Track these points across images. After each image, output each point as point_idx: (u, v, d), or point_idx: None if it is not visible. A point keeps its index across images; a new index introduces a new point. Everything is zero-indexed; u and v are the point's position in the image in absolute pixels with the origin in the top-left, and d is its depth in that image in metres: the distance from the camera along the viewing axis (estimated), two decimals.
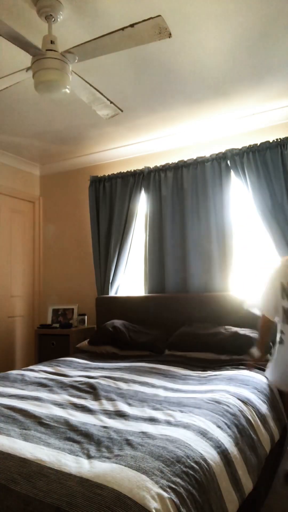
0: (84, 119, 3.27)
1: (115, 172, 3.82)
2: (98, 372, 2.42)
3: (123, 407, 1.74)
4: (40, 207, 4.45)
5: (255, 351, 2.44)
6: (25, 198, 4.29)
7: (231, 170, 3.25)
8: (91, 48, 1.87)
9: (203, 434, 1.44)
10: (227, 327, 2.87)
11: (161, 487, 1.09)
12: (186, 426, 1.47)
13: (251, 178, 3.11)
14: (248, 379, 2.17)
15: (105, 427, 1.50)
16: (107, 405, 1.78)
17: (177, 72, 2.59)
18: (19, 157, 4.14)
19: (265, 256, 3.21)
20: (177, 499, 1.09)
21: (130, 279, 3.78)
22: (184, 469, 1.21)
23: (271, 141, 3.06)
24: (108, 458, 1.23)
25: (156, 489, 1.08)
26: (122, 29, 1.72)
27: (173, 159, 3.58)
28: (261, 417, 1.86)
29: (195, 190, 3.39)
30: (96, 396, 1.92)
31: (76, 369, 2.59)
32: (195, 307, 3.16)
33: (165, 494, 1.08)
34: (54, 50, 1.93)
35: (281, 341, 2.17)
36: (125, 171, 3.78)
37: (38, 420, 1.59)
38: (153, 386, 2.11)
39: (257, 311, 2.32)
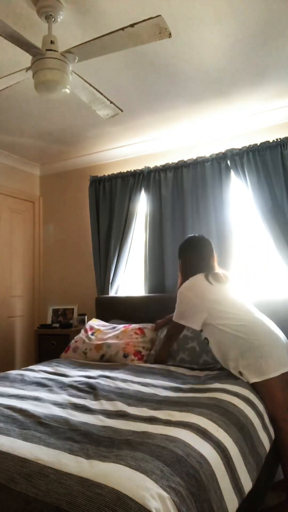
0: (84, 119, 3.27)
1: (115, 172, 3.82)
2: (98, 372, 2.42)
3: (122, 406, 1.74)
4: (40, 207, 4.45)
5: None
6: (25, 198, 4.29)
7: (231, 170, 3.25)
8: (91, 48, 1.87)
9: (203, 433, 1.44)
10: None
11: (161, 487, 1.09)
12: (186, 426, 1.47)
13: (251, 178, 3.11)
14: None
15: (105, 426, 1.50)
16: (107, 405, 1.78)
17: (177, 72, 2.59)
18: (19, 157, 4.14)
19: (265, 256, 3.21)
20: (177, 499, 1.09)
21: (130, 279, 3.78)
22: (184, 468, 1.21)
23: (271, 141, 3.06)
24: (108, 457, 1.23)
25: (156, 488, 1.08)
26: (122, 29, 1.72)
27: (173, 159, 3.58)
28: (260, 416, 1.86)
29: (195, 190, 3.39)
30: (96, 396, 1.92)
31: (76, 369, 2.59)
32: None
33: (165, 494, 1.08)
34: (54, 50, 1.93)
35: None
36: (125, 171, 3.78)
37: (37, 420, 1.59)
38: (152, 385, 2.11)
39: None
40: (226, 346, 2.13)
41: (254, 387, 2.02)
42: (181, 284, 2.36)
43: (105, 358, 2.87)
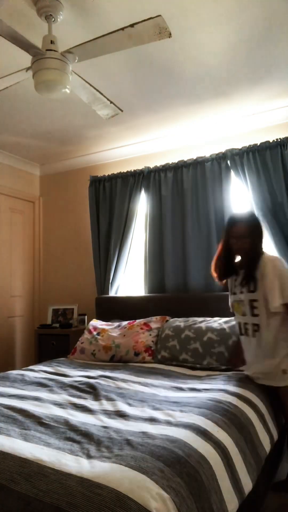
0: (84, 119, 3.27)
1: (115, 172, 3.82)
2: (98, 372, 2.42)
3: (123, 407, 1.74)
4: (40, 207, 4.45)
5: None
6: (25, 198, 4.29)
7: (231, 170, 3.25)
8: (91, 48, 1.87)
9: (203, 433, 1.44)
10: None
11: (161, 487, 1.09)
12: (186, 426, 1.47)
13: (251, 178, 3.11)
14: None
15: (105, 427, 1.50)
16: (107, 405, 1.78)
17: (177, 72, 2.59)
18: (19, 157, 4.14)
19: None
20: (177, 499, 1.09)
21: (130, 279, 3.78)
22: (184, 469, 1.21)
23: (271, 141, 3.06)
24: (108, 458, 1.23)
25: (156, 489, 1.08)
26: (122, 29, 1.72)
27: (173, 159, 3.58)
28: (261, 416, 1.86)
29: (195, 190, 3.39)
30: (96, 396, 1.92)
31: (76, 369, 2.59)
32: (195, 307, 3.16)
33: (165, 494, 1.08)
34: (54, 50, 1.93)
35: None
36: (125, 171, 3.78)
37: (38, 420, 1.59)
38: (153, 385, 2.11)
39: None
40: (280, 342, 2.03)
41: (278, 390, 2.04)
42: (249, 262, 2.13)
43: (115, 359, 2.85)
